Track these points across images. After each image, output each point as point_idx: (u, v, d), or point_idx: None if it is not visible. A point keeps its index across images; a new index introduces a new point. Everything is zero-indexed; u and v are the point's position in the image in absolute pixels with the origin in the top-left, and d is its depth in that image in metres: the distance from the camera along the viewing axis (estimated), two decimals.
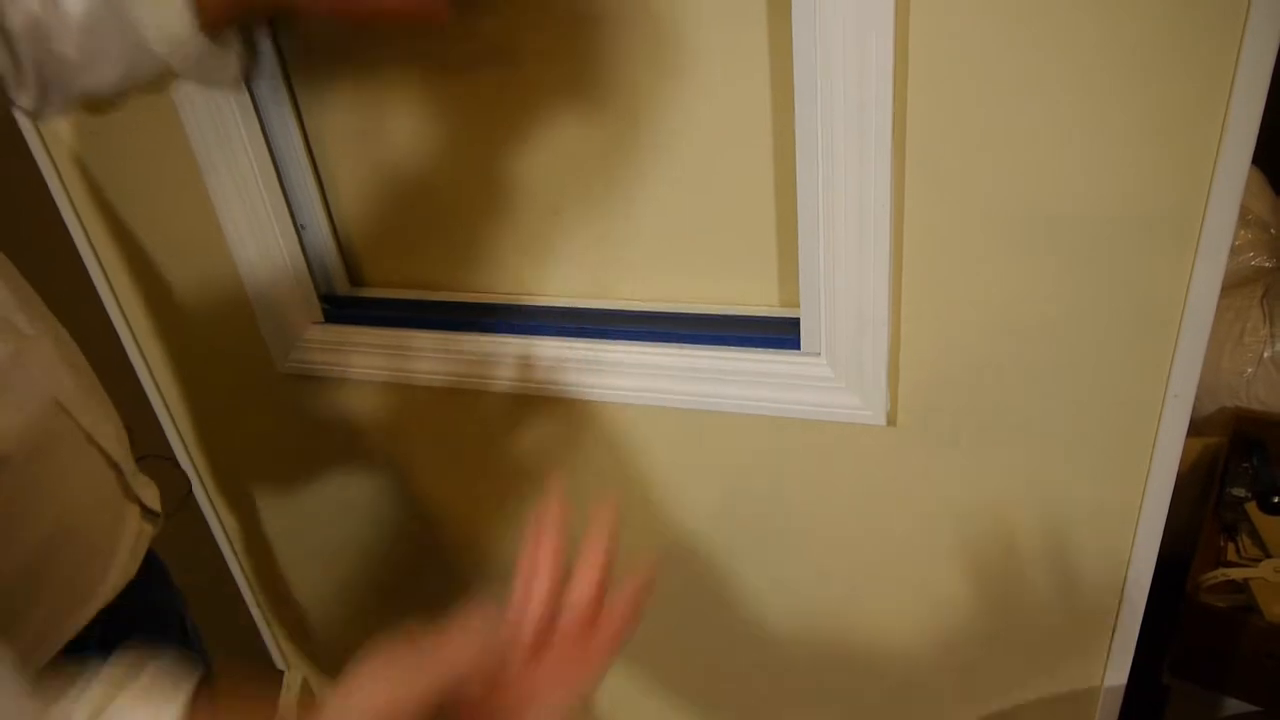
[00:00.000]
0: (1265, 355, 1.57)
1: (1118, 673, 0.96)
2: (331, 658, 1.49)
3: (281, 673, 1.06)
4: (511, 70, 0.88)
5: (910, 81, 0.72)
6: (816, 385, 0.89)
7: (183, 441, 1.32)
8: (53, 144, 1.09)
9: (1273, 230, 1.62)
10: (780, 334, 0.90)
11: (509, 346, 0.99)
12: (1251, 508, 1.47)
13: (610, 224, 0.93)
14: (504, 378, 1.01)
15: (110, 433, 0.80)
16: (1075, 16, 0.66)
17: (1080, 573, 0.90)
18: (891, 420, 0.89)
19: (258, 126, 0.97)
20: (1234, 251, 1.65)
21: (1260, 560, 1.38)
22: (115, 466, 0.81)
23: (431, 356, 1.03)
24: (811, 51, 0.73)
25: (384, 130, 0.97)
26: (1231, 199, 0.68)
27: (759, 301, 0.93)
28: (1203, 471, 1.59)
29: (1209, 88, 0.64)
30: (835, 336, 0.86)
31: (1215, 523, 1.47)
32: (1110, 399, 0.80)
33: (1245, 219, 1.62)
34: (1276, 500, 1.46)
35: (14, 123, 1.07)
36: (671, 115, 0.85)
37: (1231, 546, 1.45)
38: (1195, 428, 1.63)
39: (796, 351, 0.89)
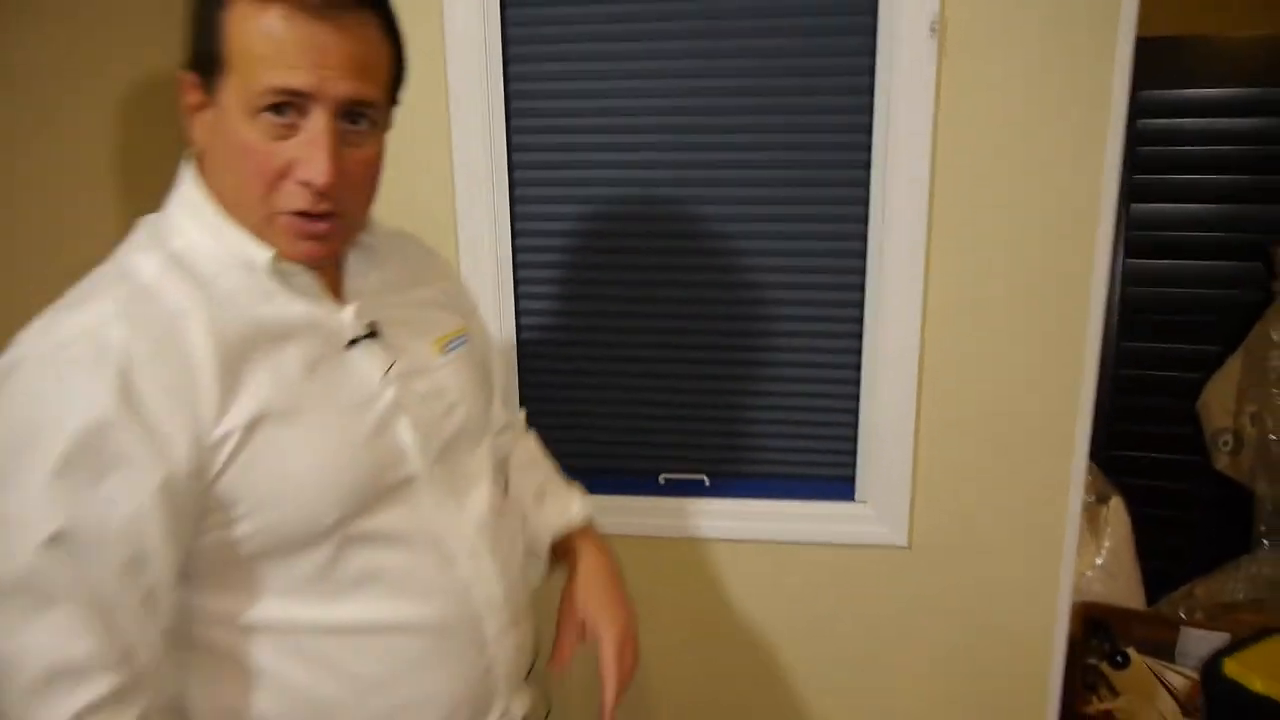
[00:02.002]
0: (1097, 562, 2.22)
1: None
2: None
3: None
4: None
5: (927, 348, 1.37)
6: (861, 520, 1.45)
7: None
8: None
9: (1089, 477, 2.34)
10: (840, 484, 1.47)
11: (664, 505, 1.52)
12: (1104, 666, 2.06)
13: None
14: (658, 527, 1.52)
15: None
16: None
17: (1022, 642, 1.46)
18: (909, 543, 1.45)
19: None
20: None
21: (1117, 699, 1.95)
22: None
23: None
24: (874, 333, 1.38)
25: None
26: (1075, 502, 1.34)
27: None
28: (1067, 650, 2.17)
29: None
30: (875, 490, 1.44)
31: (1080, 685, 2.04)
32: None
33: None
34: (1120, 659, 2.04)
35: None
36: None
37: (1094, 698, 2.02)
38: None
39: (850, 500, 1.46)
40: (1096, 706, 1.92)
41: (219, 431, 0.74)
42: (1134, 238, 2.38)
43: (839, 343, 1.44)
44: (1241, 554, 2.29)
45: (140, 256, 0.79)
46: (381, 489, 0.84)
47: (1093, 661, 2.12)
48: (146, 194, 0.90)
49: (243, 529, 0.77)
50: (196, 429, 0.73)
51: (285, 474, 0.78)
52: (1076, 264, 1.34)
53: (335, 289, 0.88)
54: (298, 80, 0.74)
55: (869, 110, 1.34)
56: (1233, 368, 2.31)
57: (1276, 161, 2.26)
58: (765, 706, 1.58)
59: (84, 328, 0.72)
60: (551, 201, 1.46)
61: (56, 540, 0.69)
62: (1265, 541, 2.24)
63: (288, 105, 0.75)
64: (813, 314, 1.44)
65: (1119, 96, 1.26)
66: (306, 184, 0.77)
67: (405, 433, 0.87)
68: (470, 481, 0.94)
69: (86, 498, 0.70)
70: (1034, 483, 1.41)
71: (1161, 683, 1.96)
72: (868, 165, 1.36)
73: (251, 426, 0.76)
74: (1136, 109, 2.30)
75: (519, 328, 1.49)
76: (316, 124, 0.76)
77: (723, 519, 1.51)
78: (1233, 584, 2.28)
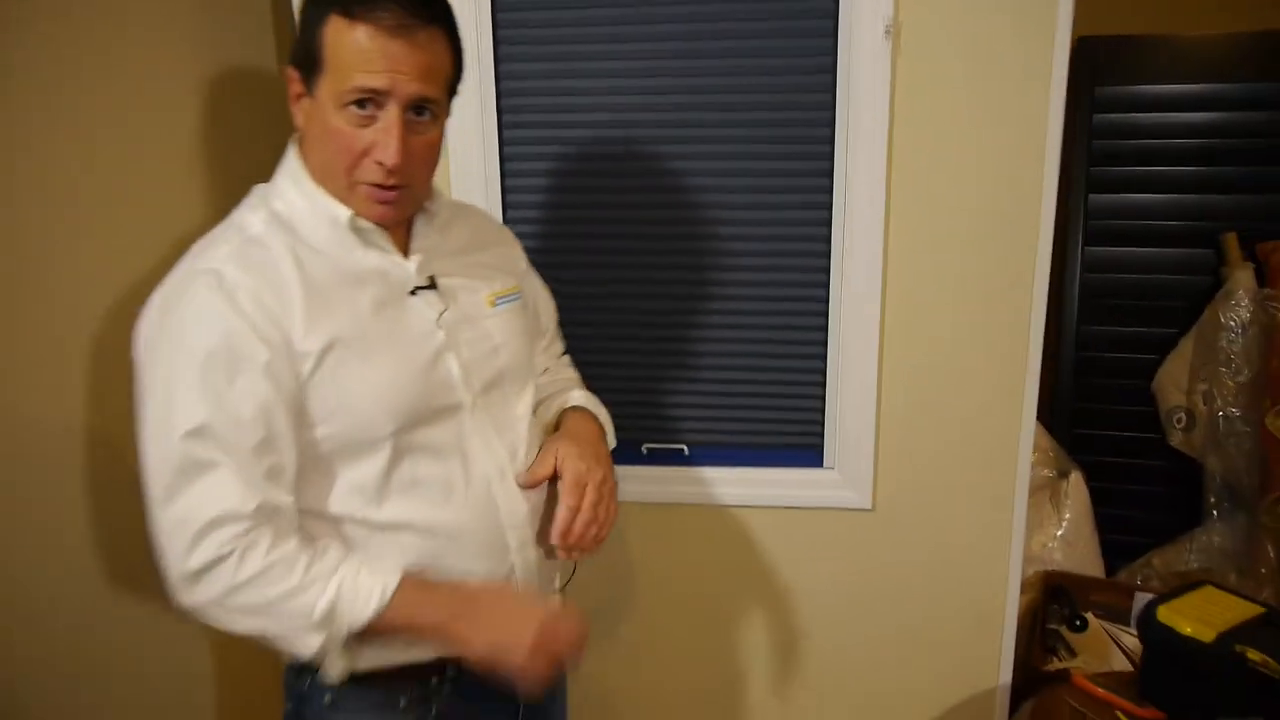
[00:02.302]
0: (1057, 534, 2.35)
1: (1005, 672, 1.61)
2: None
3: None
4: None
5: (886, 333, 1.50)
6: (828, 485, 1.58)
7: None
8: None
9: (1047, 451, 2.46)
10: (809, 452, 1.59)
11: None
12: (1063, 629, 2.18)
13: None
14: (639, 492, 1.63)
15: None
16: None
17: (978, 598, 1.58)
18: (872, 505, 1.57)
19: None
20: (1033, 466, 2.47)
21: (1075, 659, 2.08)
22: None
23: None
24: (838, 314, 1.49)
25: None
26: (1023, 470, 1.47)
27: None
28: (1028, 616, 2.30)
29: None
30: (841, 457, 1.56)
31: (1041, 647, 2.17)
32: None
33: (1035, 447, 2.47)
34: (1079, 622, 2.17)
35: None
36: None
37: (1054, 659, 2.14)
38: (1020, 587, 2.36)
39: (819, 467, 1.58)
40: (1055, 666, 2.05)
41: (302, 349, 0.96)
42: (1093, 226, 2.50)
43: (807, 320, 1.56)
44: (1195, 526, 2.43)
45: (250, 214, 1.03)
46: (429, 410, 1.04)
47: (1053, 626, 2.25)
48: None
49: (321, 432, 0.99)
50: (289, 345, 0.96)
51: (351, 390, 0.99)
52: (1022, 249, 1.46)
53: (403, 247, 1.08)
54: (376, 82, 0.94)
55: (831, 106, 1.46)
56: (1185, 349, 2.44)
57: (1226, 154, 2.39)
58: (742, 654, 1.71)
59: (208, 267, 0.96)
60: (539, 191, 1.57)
61: (205, 427, 0.92)
62: (1215, 513, 2.37)
63: (368, 100, 0.95)
64: (783, 294, 1.56)
65: (1057, 92, 1.39)
66: (380, 163, 0.97)
67: (453, 367, 1.07)
68: (511, 418, 1.14)
69: (224, 393, 0.93)
70: (986, 449, 1.53)
71: (1116, 644, 2.09)
72: (831, 158, 1.48)
73: (326, 349, 0.97)
74: (1094, 104, 2.45)
75: None
76: (389, 116, 0.96)
77: (701, 485, 1.63)
78: (1186, 554, 2.41)
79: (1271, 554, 2.24)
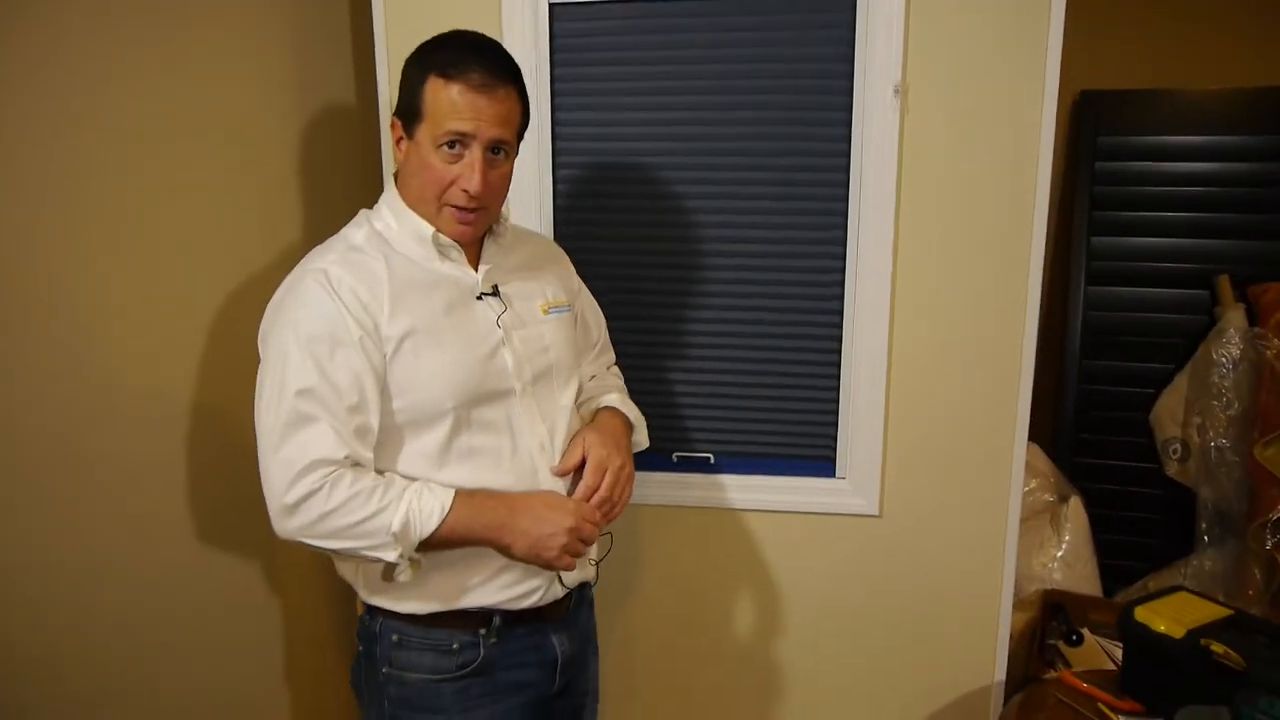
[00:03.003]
0: (1057, 555, 2.50)
1: (1000, 670, 1.76)
2: None
3: None
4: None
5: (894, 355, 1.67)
6: (839, 493, 1.75)
7: None
8: None
9: (1048, 477, 2.62)
10: (822, 463, 1.77)
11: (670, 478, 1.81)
12: (1061, 644, 2.32)
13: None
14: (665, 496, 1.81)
15: None
16: None
17: (975, 597, 1.74)
18: (880, 512, 1.74)
19: None
20: (1030, 492, 2.62)
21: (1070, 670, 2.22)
22: None
23: None
24: (851, 342, 1.68)
25: None
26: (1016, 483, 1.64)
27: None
28: (1028, 632, 2.44)
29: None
30: (852, 468, 1.73)
31: (1039, 660, 2.31)
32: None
33: (1034, 471, 2.63)
34: (1075, 638, 2.31)
35: None
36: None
37: (1051, 671, 2.28)
38: (1021, 605, 2.50)
39: (831, 477, 1.76)
40: (1052, 676, 2.19)
41: (387, 333, 1.20)
42: (1095, 268, 2.68)
43: (823, 345, 1.75)
44: (1189, 551, 2.57)
45: (355, 230, 1.29)
46: (485, 393, 1.27)
47: (1051, 641, 2.39)
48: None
49: (397, 404, 1.22)
50: (378, 329, 1.20)
51: (422, 370, 1.22)
52: (1016, 284, 1.64)
53: (474, 261, 1.32)
54: (464, 127, 1.20)
55: (847, 154, 1.65)
56: (1181, 384, 2.59)
57: (1219, 202, 2.57)
58: (760, 645, 1.87)
59: (318, 267, 1.21)
60: (590, 239, 1.77)
61: (311, 390, 1.16)
62: (1206, 539, 2.51)
63: (457, 141, 1.21)
64: (802, 323, 1.75)
65: (1046, 141, 1.57)
66: (465, 190, 1.22)
67: (507, 359, 1.29)
68: (555, 406, 1.36)
69: (326, 364, 1.16)
70: (982, 463, 1.69)
71: (1109, 656, 2.24)
72: (845, 200, 1.67)
73: (404, 337, 1.21)
74: (1096, 153, 2.63)
75: None
76: (474, 154, 1.22)
77: (725, 490, 1.81)
78: (1180, 577, 2.55)
79: (1259, 576, 2.37)
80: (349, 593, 1.36)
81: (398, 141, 1.28)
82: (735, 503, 1.80)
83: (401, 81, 1.25)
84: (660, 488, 1.81)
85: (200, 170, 1.49)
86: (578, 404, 1.43)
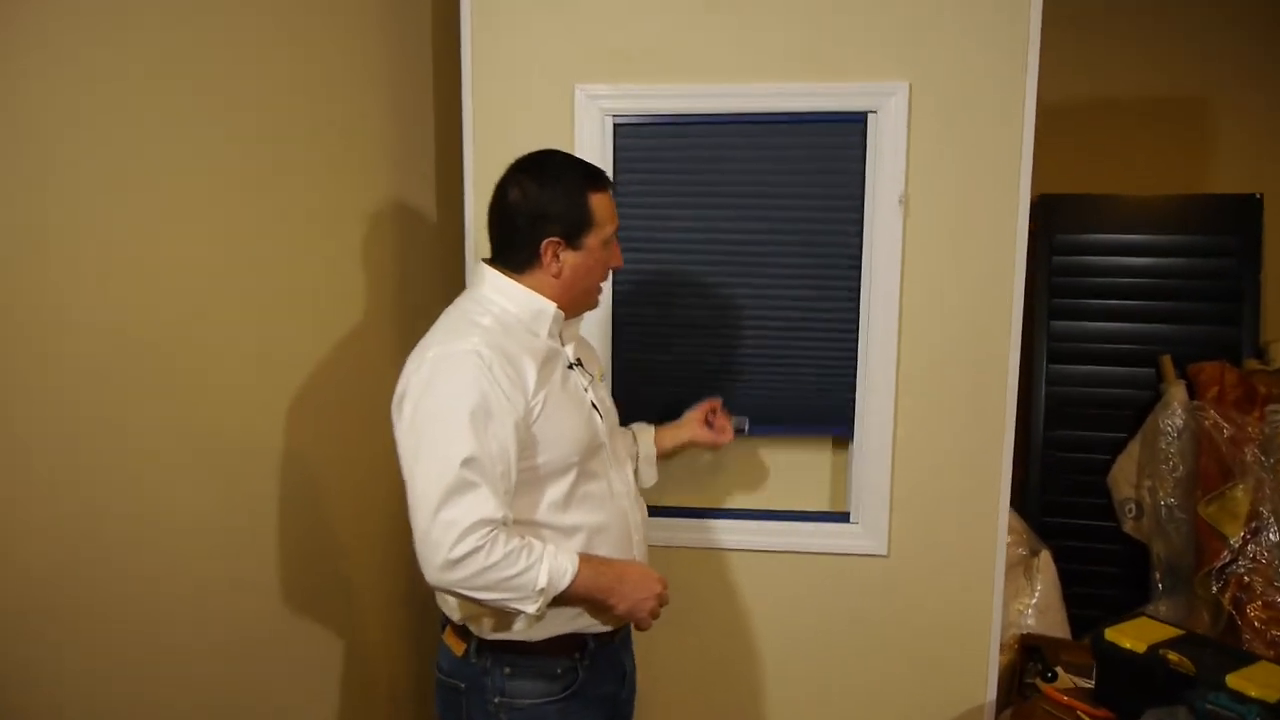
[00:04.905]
0: (1031, 603, 2.79)
1: (992, 690, 2.05)
2: None
3: None
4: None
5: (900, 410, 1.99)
6: (853, 536, 2.04)
7: None
8: None
9: (1021, 534, 2.92)
10: (839, 515, 2.07)
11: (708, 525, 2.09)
12: (1038, 681, 2.61)
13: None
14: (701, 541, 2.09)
15: None
16: None
17: (969, 628, 2.03)
18: (888, 553, 2.04)
19: None
20: (1009, 546, 2.92)
21: None
22: None
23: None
24: (862, 412, 1.99)
25: None
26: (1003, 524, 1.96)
27: (816, 503, 2.10)
28: (1008, 672, 2.72)
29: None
30: (863, 514, 2.03)
31: (1019, 697, 2.59)
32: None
33: (1008, 529, 2.93)
34: (1050, 675, 2.59)
35: None
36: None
37: None
38: (1001, 648, 2.78)
39: (846, 522, 2.05)
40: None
41: (531, 403, 1.42)
42: (1055, 348, 3.03)
43: (837, 415, 2.07)
44: (1145, 600, 2.87)
45: (480, 315, 1.48)
46: (593, 447, 1.53)
47: (1029, 680, 2.67)
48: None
49: (541, 459, 1.45)
50: (524, 400, 1.41)
51: (557, 430, 1.46)
52: (997, 363, 1.97)
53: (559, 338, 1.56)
54: (616, 224, 1.56)
55: (859, 250, 1.99)
56: (1134, 450, 2.92)
57: (1160, 291, 2.94)
58: (778, 670, 2.13)
59: (468, 348, 1.40)
60: (641, 322, 2.09)
61: (471, 459, 1.34)
62: (1160, 587, 2.83)
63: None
64: (818, 390, 2.07)
65: (1020, 236, 1.93)
66: (614, 270, 1.61)
67: (598, 418, 1.57)
68: (621, 455, 1.66)
69: (483, 435, 1.35)
70: (972, 513, 2.00)
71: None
72: (857, 291, 2.00)
73: (544, 402, 1.44)
74: (1053, 249, 3.01)
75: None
76: (615, 242, 1.57)
77: (752, 535, 2.10)
78: None
79: (1207, 618, 2.68)
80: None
81: (553, 258, 1.48)
82: (762, 545, 2.09)
83: (552, 207, 1.47)
84: (694, 532, 2.10)
85: (329, 251, 1.82)
86: None
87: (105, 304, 1.32)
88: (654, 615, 1.53)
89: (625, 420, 1.85)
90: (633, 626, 1.61)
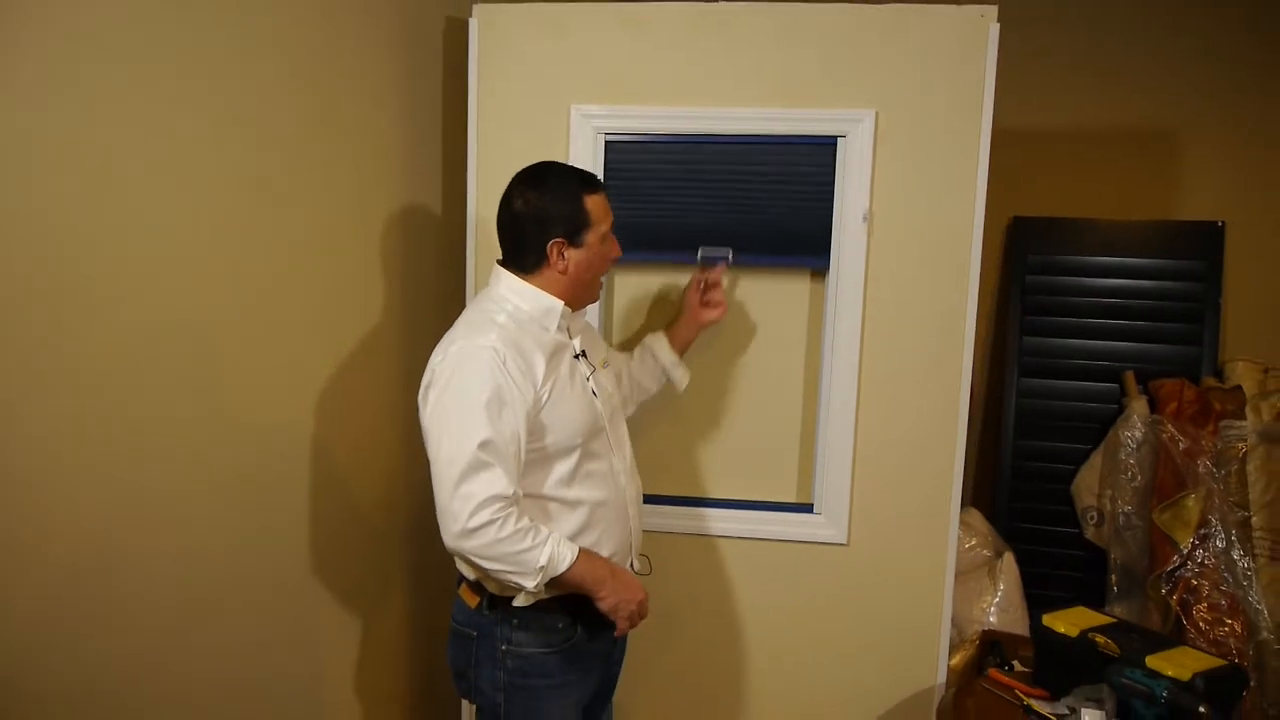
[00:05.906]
0: (994, 602, 2.95)
1: (942, 674, 2.21)
2: None
3: None
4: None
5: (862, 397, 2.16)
6: (816, 525, 2.21)
7: None
8: None
9: (987, 536, 3.08)
10: (805, 506, 2.24)
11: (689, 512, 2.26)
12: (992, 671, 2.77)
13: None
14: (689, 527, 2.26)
15: None
16: None
17: (921, 614, 2.19)
18: (848, 542, 2.20)
19: None
20: (971, 549, 3.08)
21: None
22: None
23: None
24: (826, 411, 2.17)
25: None
26: (954, 516, 2.13)
27: (784, 494, 2.27)
28: (970, 666, 2.88)
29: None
30: (827, 505, 2.20)
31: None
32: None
33: (975, 531, 3.10)
34: (1007, 668, 2.76)
35: None
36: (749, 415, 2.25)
37: None
38: (964, 643, 2.93)
39: (810, 513, 2.23)
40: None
41: (539, 392, 1.60)
42: (1026, 362, 3.19)
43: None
44: (1103, 603, 3.03)
45: (496, 313, 1.65)
46: (595, 429, 1.72)
47: (987, 671, 2.82)
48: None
49: (549, 439, 1.63)
50: (533, 390, 1.59)
51: (563, 414, 1.64)
52: (952, 363, 2.14)
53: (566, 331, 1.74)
54: (610, 219, 1.73)
55: (828, 264, 2.16)
56: (1096, 461, 3.08)
57: (1125, 311, 3.10)
58: (747, 651, 2.30)
59: (486, 344, 1.58)
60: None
61: (487, 442, 1.52)
62: (1116, 589, 2.98)
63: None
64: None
65: (975, 251, 2.09)
66: (615, 261, 1.77)
67: (599, 403, 1.75)
68: (621, 435, 1.84)
69: (497, 422, 1.54)
70: (927, 507, 2.17)
71: None
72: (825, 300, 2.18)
73: (551, 389, 1.62)
74: (1026, 268, 3.18)
75: None
76: (612, 236, 1.75)
77: (726, 522, 2.27)
78: None
79: (1158, 619, 2.84)
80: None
81: (560, 256, 1.66)
82: (734, 532, 2.26)
83: (553, 212, 1.65)
84: (673, 519, 2.27)
85: (342, 254, 1.99)
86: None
87: (129, 304, 1.37)
88: (632, 621, 1.70)
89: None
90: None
